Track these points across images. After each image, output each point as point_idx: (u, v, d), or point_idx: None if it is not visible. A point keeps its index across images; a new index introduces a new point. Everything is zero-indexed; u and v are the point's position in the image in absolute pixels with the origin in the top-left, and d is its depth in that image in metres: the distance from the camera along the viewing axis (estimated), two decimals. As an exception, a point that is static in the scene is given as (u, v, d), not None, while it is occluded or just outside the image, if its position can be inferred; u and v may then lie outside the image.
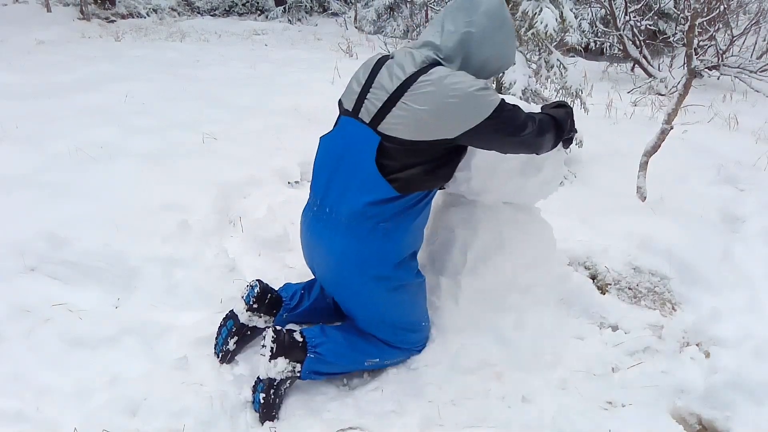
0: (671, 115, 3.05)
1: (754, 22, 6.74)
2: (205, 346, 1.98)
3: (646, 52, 6.90)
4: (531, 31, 3.38)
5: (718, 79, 6.31)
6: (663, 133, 3.06)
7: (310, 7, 12.85)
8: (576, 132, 2.02)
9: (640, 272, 2.53)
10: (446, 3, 1.91)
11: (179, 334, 2.02)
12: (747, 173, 3.46)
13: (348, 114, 1.79)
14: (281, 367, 1.78)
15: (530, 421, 1.81)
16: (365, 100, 1.74)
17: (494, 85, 3.57)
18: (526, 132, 1.74)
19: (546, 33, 3.34)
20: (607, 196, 3.25)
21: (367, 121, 1.72)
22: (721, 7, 5.82)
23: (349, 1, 12.64)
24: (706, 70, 6.19)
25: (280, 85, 5.18)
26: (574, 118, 1.97)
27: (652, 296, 2.43)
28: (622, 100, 5.39)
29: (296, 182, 3.25)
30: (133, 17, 10.87)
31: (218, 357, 1.94)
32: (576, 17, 4.80)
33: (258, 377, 1.81)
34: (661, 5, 7.56)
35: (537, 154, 1.89)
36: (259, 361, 1.81)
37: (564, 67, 3.66)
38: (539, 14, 3.35)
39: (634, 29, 6.86)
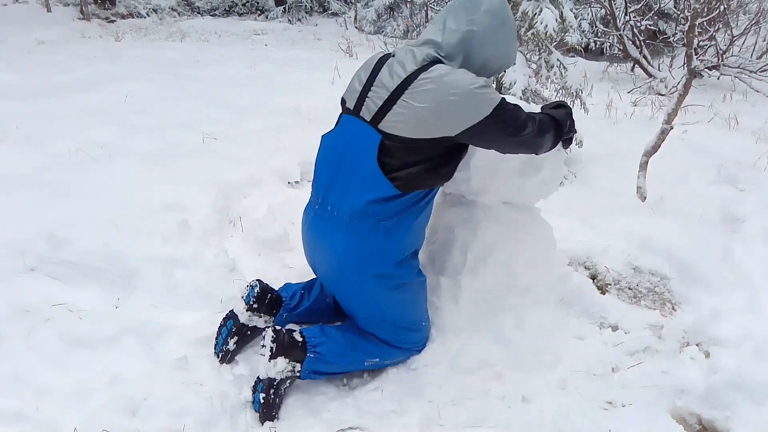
0: (671, 115, 3.05)
1: (754, 22, 6.74)
2: (205, 346, 1.97)
3: (646, 52, 6.90)
4: (531, 31, 3.38)
5: (718, 79, 6.31)
6: (663, 133, 3.06)
7: (310, 7, 12.85)
8: (576, 132, 2.03)
9: (640, 272, 2.53)
10: (447, 2, 1.91)
11: (179, 334, 2.02)
12: (747, 173, 3.46)
13: (349, 112, 1.79)
14: (281, 366, 1.78)
15: (530, 421, 1.81)
16: (366, 99, 1.74)
17: (494, 85, 3.57)
18: (526, 132, 1.74)
19: (546, 33, 3.35)
20: (607, 196, 3.25)
21: (368, 120, 1.72)
22: (721, 7, 5.82)
23: (349, 1, 12.64)
24: (706, 70, 6.19)
25: (280, 85, 5.18)
26: (574, 119, 1.97)
27: (652, 296, 2.43)
28: (622, 100, 5.39)
29: (296, 182, 3.25)
30: (133, 17, 10.88)
31: (218, 357, 1.94)
32: (576, 17, 4.80)
33: (258, 377, 1.81)
34: (661, 5, 7.56)
35: (536, 154, 1.89)
36: (259, 361, 1.81)
37: (564, 67, 3.66)
38: (539, 14, 3.35)
39: (634, 29, 6.87)
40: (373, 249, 1.78)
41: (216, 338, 1.96)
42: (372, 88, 1.74)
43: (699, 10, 3.79)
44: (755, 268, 2.58)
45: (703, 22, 5.26)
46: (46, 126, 3.55)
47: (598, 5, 7.28)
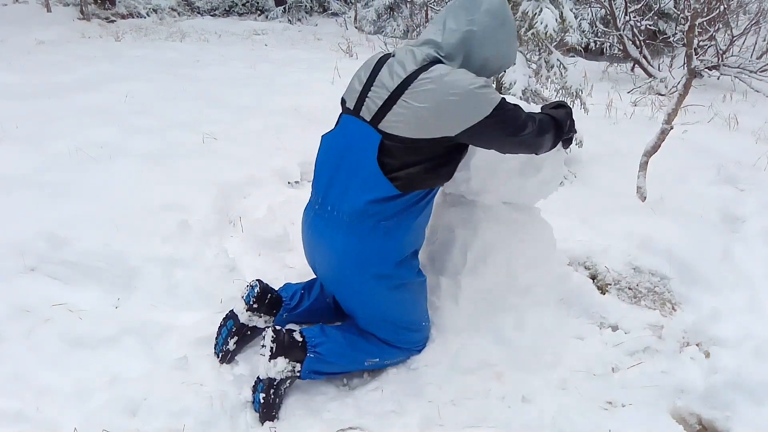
0: (671, 115, 3.05)
1: (754, 22, 6.74)
2: (205, 346, 1.97)
3: (646, 52, 6.90)
4: (531, 32, 3.38)
5: (718, 79, 6.31)
6: (663, 133, 3.06)
7: (310, 7, 12.85)
8: (576, 132, 2.03)
9: (640, 272, 2.53)
10: (447, 2, 1.91)
11: (179, 334, 2.02)
12: (747, 173, 3.46)
13: (349, 112, 1.79)
14: (281, 366, 1.78)
15: (530, 421, 1.81)
16: (366, 99, 1.74)
17: (494, 85, 3.56)
18: (526, 132, 1.74)
19: (546, 33, 3.35)
20: (607, 196, 3.25)
21: (368, 120, 1.72)
22: (721, 7, 5.82)
23: (349, 1, 12.64)
24: (706, 70, 6.19)
25: (280, 85, 5.18)
26: (574, 119, 1.97)
27: (652, 296, 2.43)
28: (622, 100, 5.39)
29: (296, 182, 3.25)
30: (133, 17, 10.88)
31: (218, 357, 1.94)
32: (576, 17, 4.80)
33: (258, 377, 1.81)
34: (661, 5, 7.56)
35: (536, 154, 1.89)
36: (259, 361, 1.81)
37: (564, 67, 3.66)
38: (539, 14, 3.35)
39: (634, 29, 6.87)
40: (373, 249, 1.78)
41: (216, 338, 1.96)
42: (372, 88, 1.74)
43: (699, 10, 3.79)
44: (755, 268, 2.58)
45: (703, 22, 5.26)
46: (46, 126, 3.55)
47: (598, 5, 7.28)
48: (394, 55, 1.78)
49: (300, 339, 1.84)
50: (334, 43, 8.37)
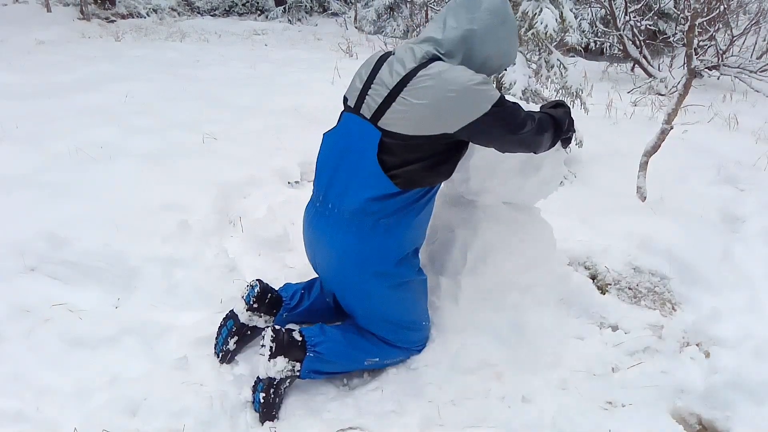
0: (671, 115, 3.05)
1: (754, 22, 6.74)
2: (205, 346, 1.97)
3: (646, 52, 6.90)
4: (531, 31, 3.38)
5: (718, 79, 6.31)
6: (663, 133, 3.06)
7: (310, 7, 12.86)
8: (575, 131, 2.02)
9: (640, 272, 2.53)
10: (447, 2, 1.91)
11: (179, 334, 2.02)
12: (747, 173, 3.46)
13: (350, 110, 1.80)
14: (281, 366, 1.78)
15: (530, 421, 1.81)
16: (366, 96, 1.74)
17: (494, 85, 3.56)
18: (525, 130, 1.74)
19: (546, 33, 3.35)
20: (607, 196, 3.25)
21: (368, 117, 1.72)
22: (721, 7, 5.82)
23: (349, 1, 12.65)
24: (706, 70, 6.19)
25: (280, 85, 5.18)
26: (573, 118, 1.97)
27: (652, 296, 2.43)
28: (622, 100, 5.39)
29: (296, 182, 3.25)
30: (133, 17, 10.88)
31: (218, 357, 1.94)
32: (576, 17, 4.80)
33: (258, 377, 1.81)
34: (661, 5, 7.56)
35: (535, 153, 1.89)
36: (259, 361, 1.81)
37: (564, 67, 3.66)
38: (539, 14, 3.35)
39: (634, 29, 6.87)
40: (374, 247, 1.78)
41: (216, 338, 1.96)
42: (372, 85, 1.74)
43: (699, 10, 3.79)
44: (755, 268, 2.58)
45: (703, 22, 5.26)
46: (46, 126, 3.55)
47: (598, 5, 7.28)
48: (394, 54, 1.79)
49: (299, 338, 1.84)
50: (334, 43, 8.38)
